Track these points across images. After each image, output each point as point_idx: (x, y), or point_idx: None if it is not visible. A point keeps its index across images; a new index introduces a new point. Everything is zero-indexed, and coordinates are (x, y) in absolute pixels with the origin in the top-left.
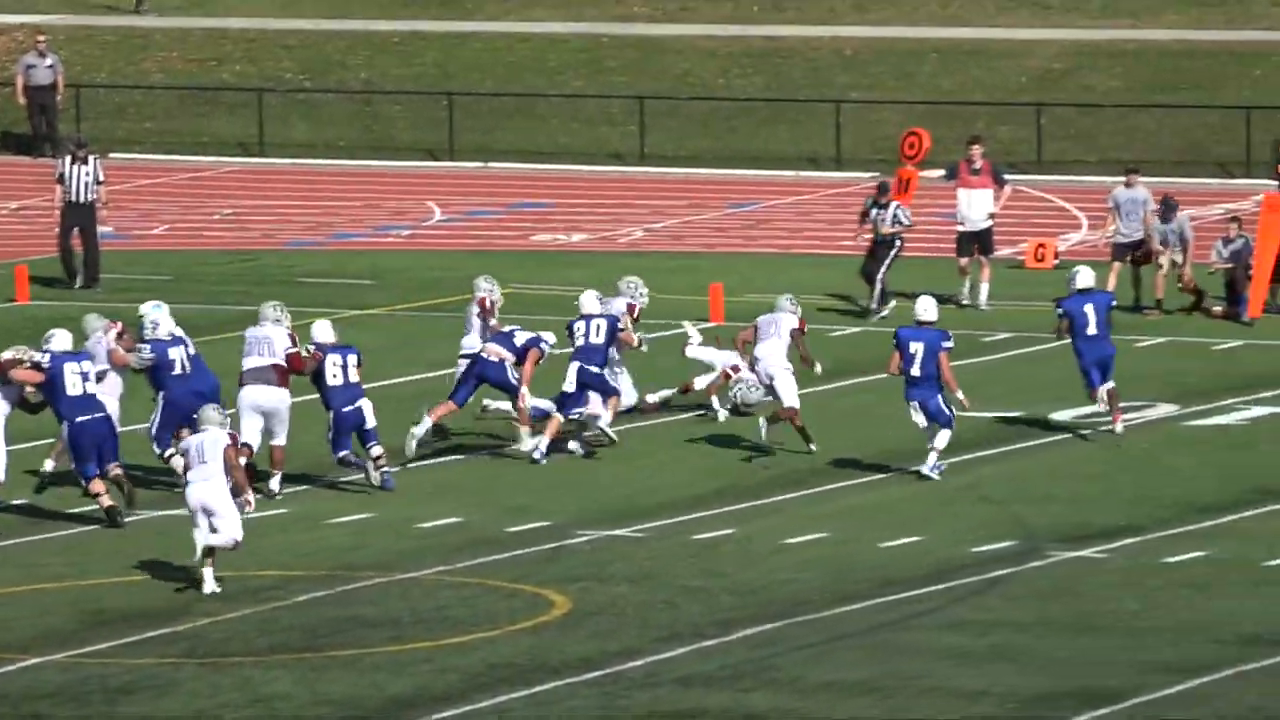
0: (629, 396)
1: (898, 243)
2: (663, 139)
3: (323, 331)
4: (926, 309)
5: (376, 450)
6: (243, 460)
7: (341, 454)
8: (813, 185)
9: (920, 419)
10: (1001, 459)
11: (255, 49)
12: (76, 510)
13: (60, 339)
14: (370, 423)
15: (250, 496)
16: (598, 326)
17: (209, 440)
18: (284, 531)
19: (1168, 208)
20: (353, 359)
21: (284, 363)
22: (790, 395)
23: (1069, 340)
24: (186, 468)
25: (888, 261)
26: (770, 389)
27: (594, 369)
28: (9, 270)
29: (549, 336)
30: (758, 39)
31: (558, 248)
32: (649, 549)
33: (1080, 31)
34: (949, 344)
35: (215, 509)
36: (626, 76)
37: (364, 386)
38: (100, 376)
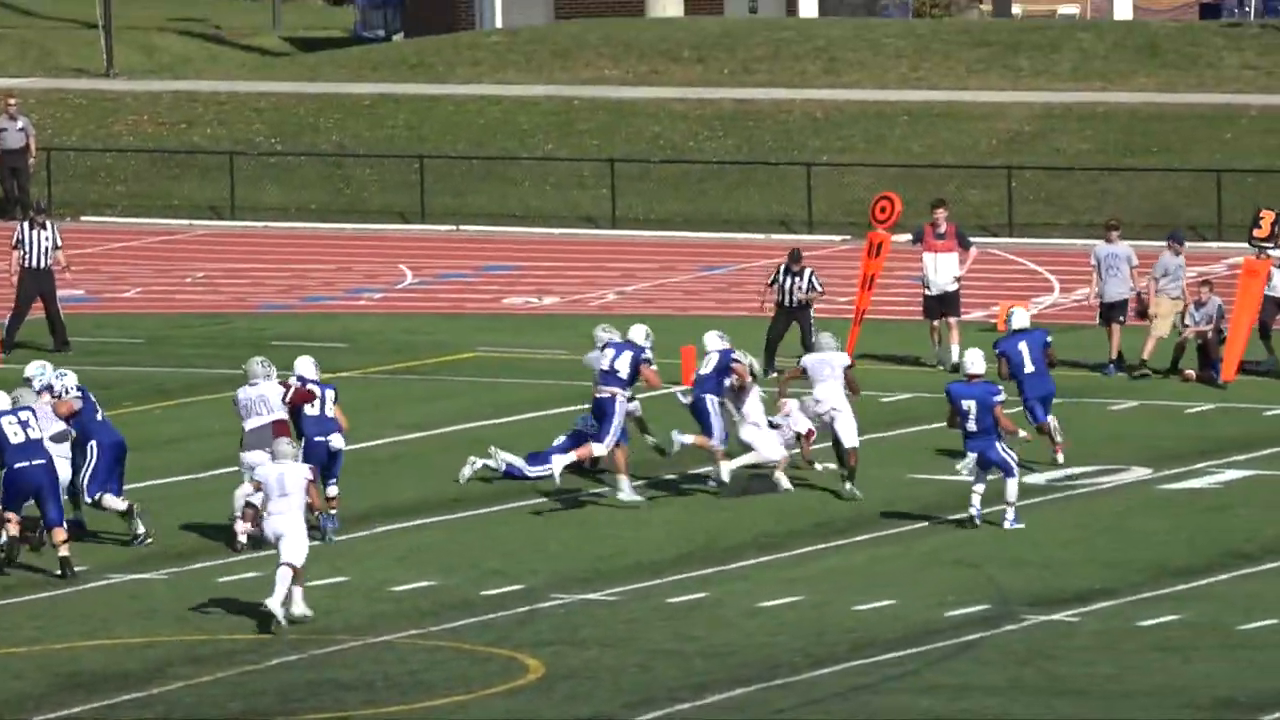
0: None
1: (811, 309)
2: (634, 202)
3: (305, 366)
4: (974, 362)
5: (333, 490)
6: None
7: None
8: (784, 248)
9: (970, 469)
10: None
11: (226, 112)
12: (44, 570)
13: None
14: (338, 455)
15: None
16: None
17: (289, 473)
18: (259, 594)
19: (1176, 240)
20: (330, 394)
21: (285, 415)
22: (851, 436)
23: (1011, 381)
24: (264, 499)
25: (810, 326)
26: (831, 429)
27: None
28: None
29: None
30: (728, 102)
31: (529, 310)
32: (622, 612)
33: (1050, 94)
34: (1000, 397)
35: (289, 537)
36: (598, 139)
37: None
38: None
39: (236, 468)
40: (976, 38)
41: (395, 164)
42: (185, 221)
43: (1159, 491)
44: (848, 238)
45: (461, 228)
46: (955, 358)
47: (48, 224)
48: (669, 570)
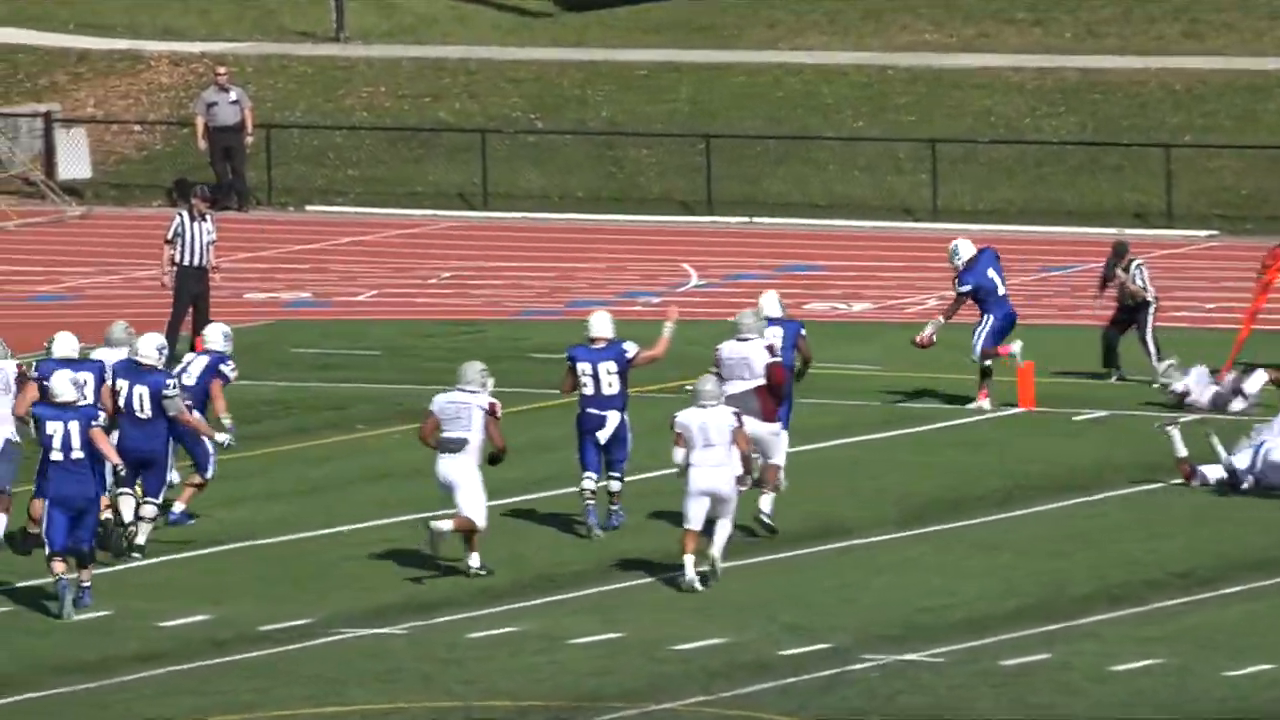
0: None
1: (1152, 307)
2: (959, 189)
3: (600, 322)
4: None
5: (615, 485)
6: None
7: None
8: (1140, 245)
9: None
10: None
11: (477, 83)
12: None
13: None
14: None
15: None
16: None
17: (475, 404)
18: (516, 653)
19: None
20: (607, 365)
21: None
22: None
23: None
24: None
25: (1149, 324)
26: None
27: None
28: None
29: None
30: (1071, 71)
31: (835, 318)
32: (947, 676)
33: None
34: None
35: (461, 485)
36: (915, 116)
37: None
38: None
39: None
40: None
41: (676, 144)
42: (429, 212)
43: None
44: (1215, 233)
45: (754, 220)
46: None
47: (208, 215)
48: (1002, 626)
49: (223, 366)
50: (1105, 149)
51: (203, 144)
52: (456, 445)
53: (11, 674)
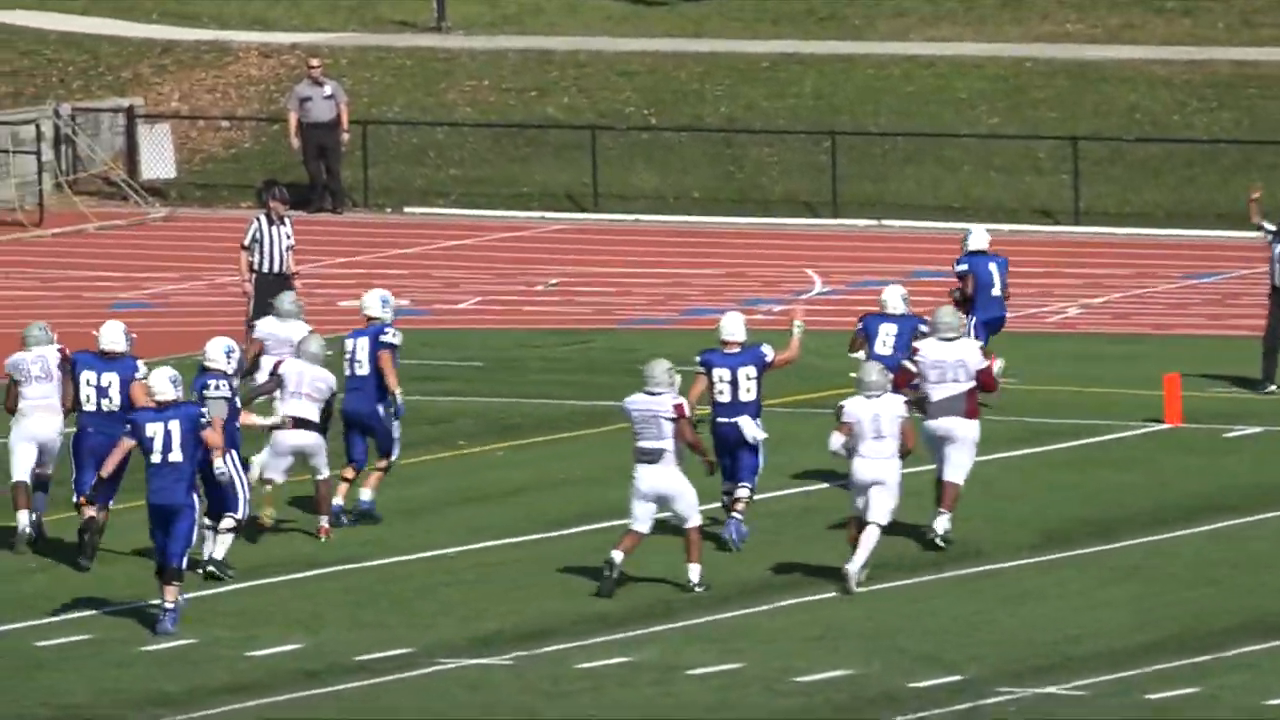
0: None
1: None
2: (1103, 191)
3: (733, 324)
4: None
5: (743, 492)
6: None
7: None
8: None
9: None
10: None
11: (588, 76)
12: None
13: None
14: (756, 437)
15: None
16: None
17: (661, 413)
18: (626, 685)
19: None
20: (746, 370)
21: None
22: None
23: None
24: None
25: None
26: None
27: None
28: None
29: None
30: (1224, 64)
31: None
32: (1089, 711)
33: None
34: None
35: (673, 495)
36: (1057, 112)
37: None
38: None
39: (593, 525)
40: None
41: (800, 142)
42: (535, 214)
43: None
44: None
45: (883, 222)
46: None
47: (287, 217)
48: (1148, 657)
49: (384, 336)
50: (1261, 147)
51: (295, 141)
52: (654, 455)
53: (92, 707)
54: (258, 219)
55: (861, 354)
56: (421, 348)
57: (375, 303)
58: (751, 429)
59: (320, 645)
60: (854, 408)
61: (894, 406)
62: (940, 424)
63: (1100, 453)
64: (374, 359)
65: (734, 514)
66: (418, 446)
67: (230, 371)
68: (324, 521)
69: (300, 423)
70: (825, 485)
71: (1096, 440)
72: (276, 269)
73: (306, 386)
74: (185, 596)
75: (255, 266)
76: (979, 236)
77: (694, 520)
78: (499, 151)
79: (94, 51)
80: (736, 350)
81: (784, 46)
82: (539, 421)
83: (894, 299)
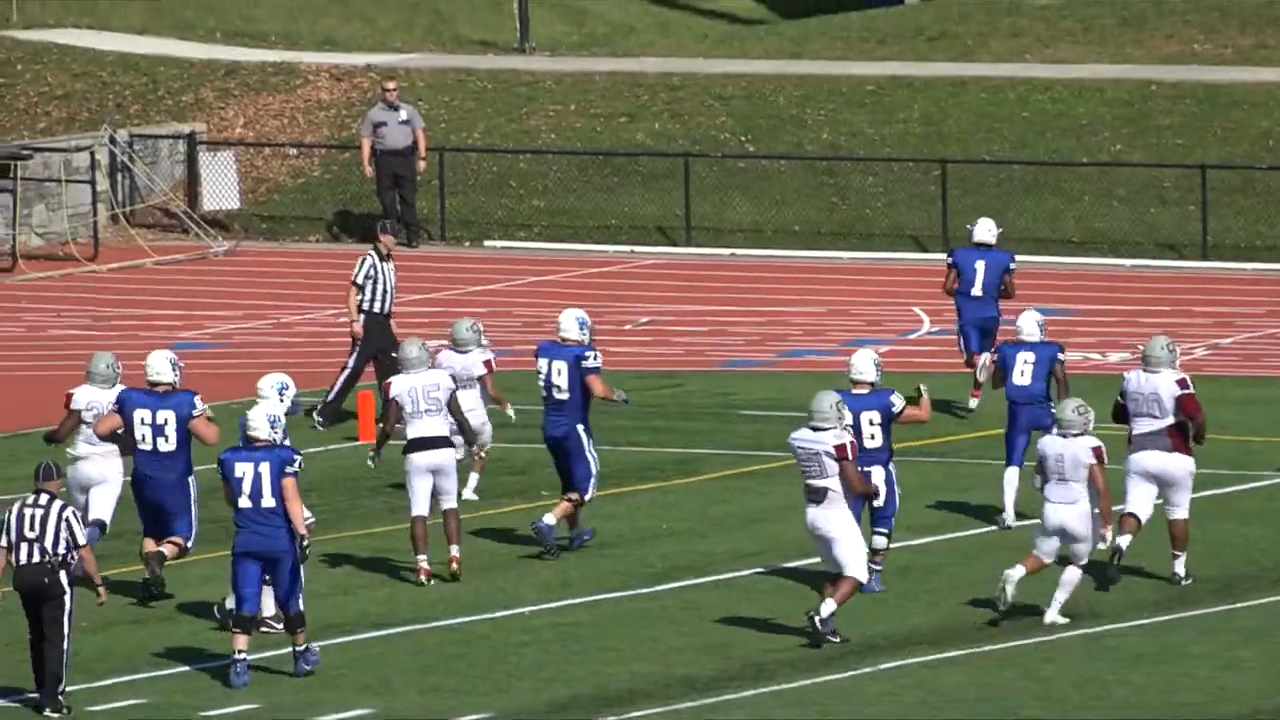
0: None
1: None
2: (1233, 223)
3: (864, 363)
4: None
5: (880, 541)
6: None
7: None
8: None
9: None
10: None
11: (680, 100)
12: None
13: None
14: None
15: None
16: None
17: (822, 451)
18: None
19: None
20: (870, 415)
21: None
22: None
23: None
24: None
25: None
26: None
27: None
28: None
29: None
30: None
31: (1089, 369)
32: None
33: None
34: None
35: (835, 539)
36: (1184, 138)
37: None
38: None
39: (686, 581)
40: None
41: (908, 171)
42: (624, 248)
43: None
44: None
45: None
46: None
47: (391, 255)
48: None
49: (585, 361)
50: None
51: (369, 170)
52: (818, 495)
53: None
54: (370, 254)
55: (989, 381)
56: (502, 392)
57: (573, 324)
58: (873, 481)
59: (389, 711)
60: (1045, 444)
61: (1085, 447)
62: (1149, 461)
63: (1225, 505)
64: (576, 384)
65: (872, 564)
66: (499, 497)
67: (285, 410)
68: (454, 551)
69: (429, 442)
70: (929, 539)
71: (1221, 492)
72: (386, 309)
73: (424, 402)
74: (306, 649)
75: (365, 306)
76: (982, 229)
77: (850, 571)
78: (585, 181)
79: (153, 74)
80: (865, 392)
81: (890, 69)
82: (628, 470)
83: (1029, 325)
